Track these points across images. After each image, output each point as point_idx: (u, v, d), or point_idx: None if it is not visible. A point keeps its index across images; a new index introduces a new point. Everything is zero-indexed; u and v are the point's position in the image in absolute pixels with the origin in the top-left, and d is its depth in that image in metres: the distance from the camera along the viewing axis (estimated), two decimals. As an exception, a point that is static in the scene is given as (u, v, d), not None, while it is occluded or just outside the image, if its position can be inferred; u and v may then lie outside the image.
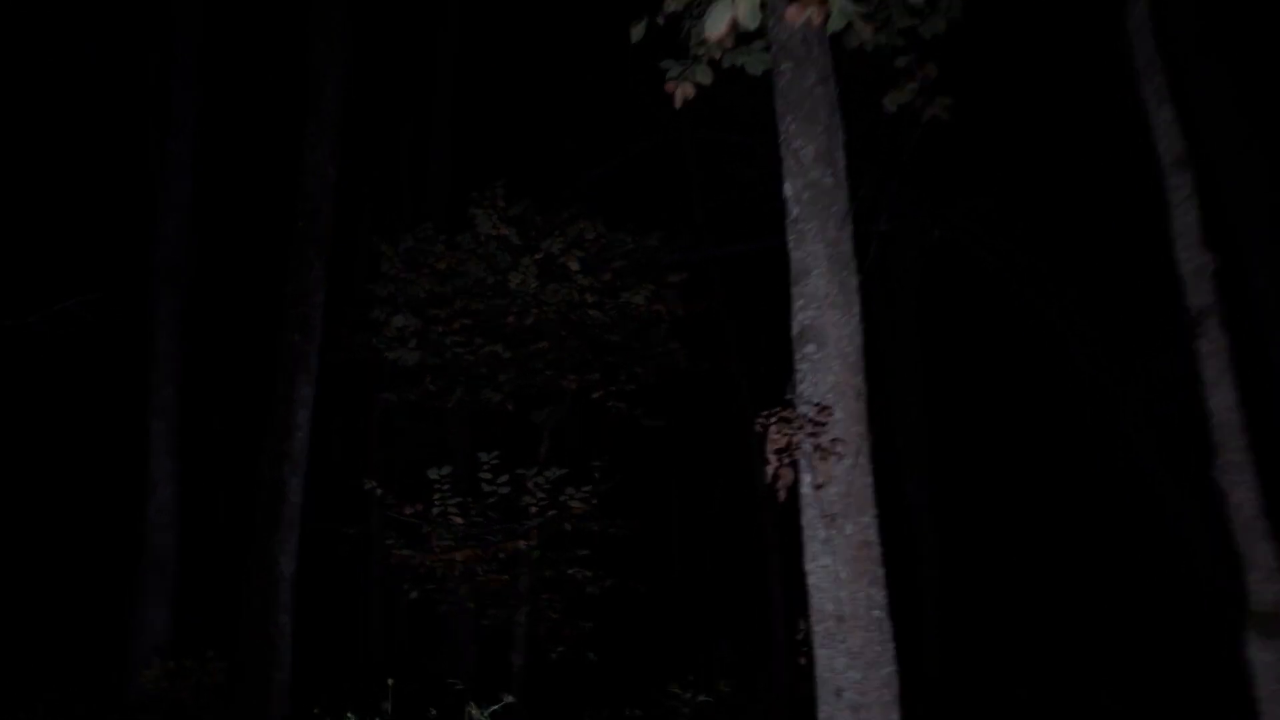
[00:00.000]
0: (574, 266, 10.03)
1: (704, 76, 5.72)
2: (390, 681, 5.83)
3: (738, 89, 6.74)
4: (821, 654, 4.30)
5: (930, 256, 12.14)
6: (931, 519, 14.21)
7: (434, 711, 6.91)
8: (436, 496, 8.80)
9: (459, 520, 8.86)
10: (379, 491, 8.94)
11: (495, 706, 6.10)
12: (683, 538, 12.09)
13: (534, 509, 9.13)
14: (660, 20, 5.53)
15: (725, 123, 12.45)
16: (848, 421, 4.46)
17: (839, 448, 4.29)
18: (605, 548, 9.84)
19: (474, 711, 5.84)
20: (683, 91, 5.94)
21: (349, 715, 6.27)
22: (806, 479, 4.39)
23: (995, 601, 13.81)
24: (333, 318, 11.56)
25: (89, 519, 13.22)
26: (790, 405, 4.42)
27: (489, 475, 8.82)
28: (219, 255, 13.87)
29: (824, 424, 4.24)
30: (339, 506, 10.46)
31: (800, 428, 4.21)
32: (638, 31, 5.54)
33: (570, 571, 9.29)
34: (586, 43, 13.15)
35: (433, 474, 8.62)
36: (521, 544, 8.74)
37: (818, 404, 4.32)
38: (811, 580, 4.42)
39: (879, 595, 4.40)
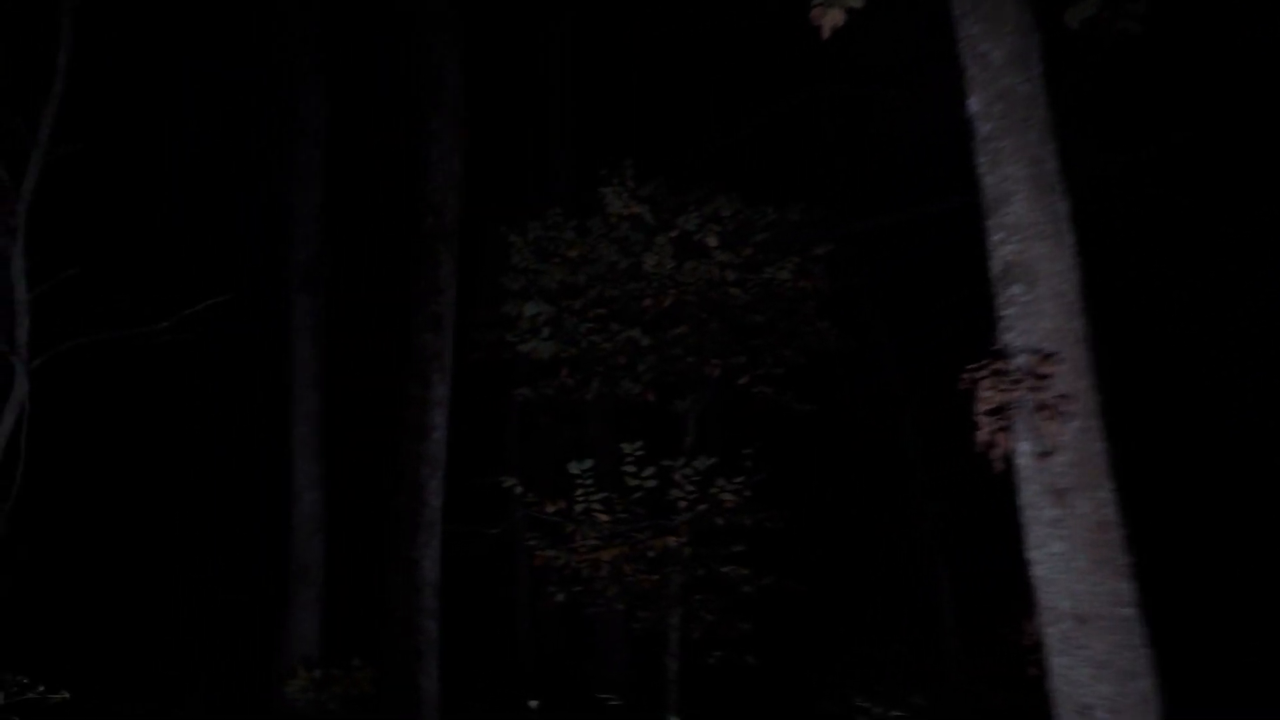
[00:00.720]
0: (712, 243, 9.35)
1: (856, -1, 4.98)
2: (533, 704, 5.25)
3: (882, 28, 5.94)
4: (1059, 662, 3.48)
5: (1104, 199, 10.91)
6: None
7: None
8: (579, 493, 8.25)
9: (604, 517, 8.29)
10: (519, 489, 8.46)
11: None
12: (837, 530, 11.24)
13: (683, 503, 8.48)
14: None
15: (867, 75, 11.55)
16: (1073, 374, 3.61)
17: (1067, 405, 3.46)
18: (759, 544, 9.10)
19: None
20: (831, 19, 5.20)
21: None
22: (1025, 446, 3.57)
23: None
24: (465, 315, 11.23)
25: (237, 526, 13.30)
26: (1000, 357, 3.61)
27: (633, 468, 8.21)
28: (351, 257, 13.79)
29: (1047, 376, 3.42)
30: (478, 507, 10.07)
31: (1017, 382, 3.39)
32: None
33: (724, 570, 8.59)
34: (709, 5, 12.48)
35: (574, 468, 8.07)
36: (672, 540, 8.10)
37: (1038, 351, 3.49)
38: (1038, 571, 3.59)
39: (1126, 589, 3.54)
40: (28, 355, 7.41)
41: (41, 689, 6.06)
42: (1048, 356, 3.47)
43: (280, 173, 13.20)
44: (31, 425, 7.40)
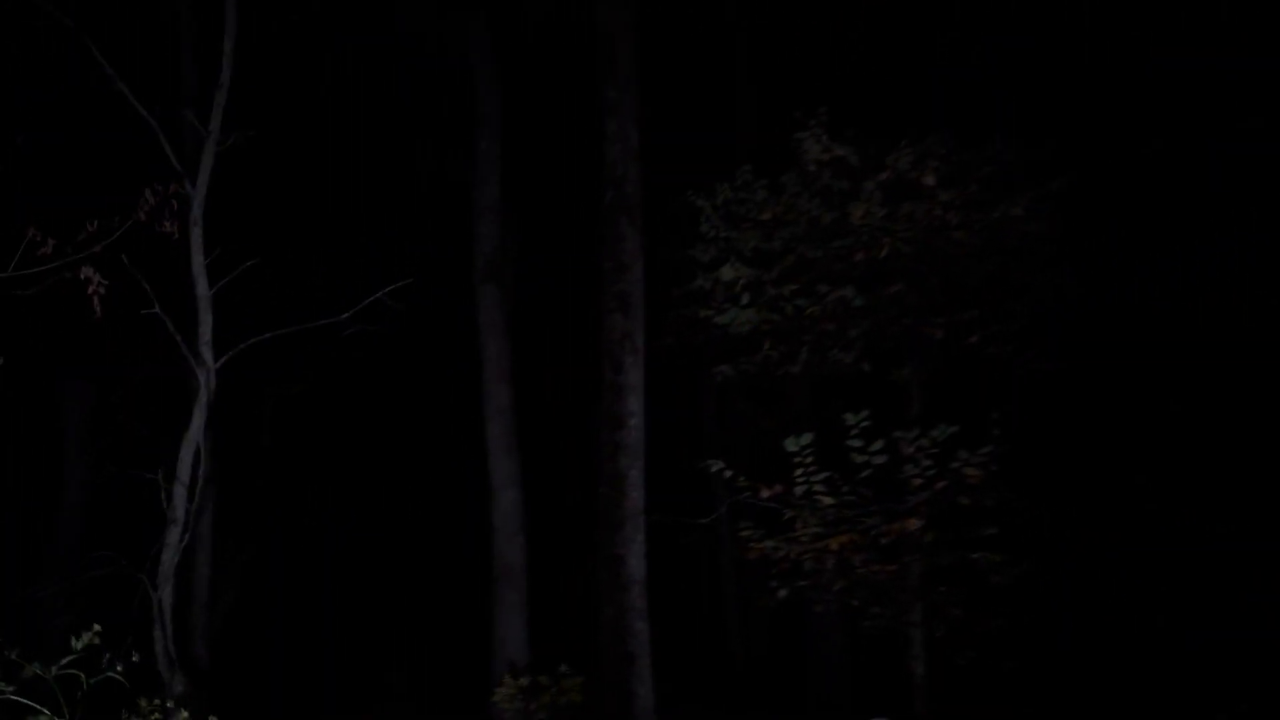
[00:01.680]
0: (930, 181, 8.15)
1: None
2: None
3: None
4: None
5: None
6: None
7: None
8: (798, 473, 7.25)
9: (828, 500, 7.26)
10: (728, 473, 7.54)
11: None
12: (1098, 507, 9.68)
13: (918, 480, 7.34)
14: None
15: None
16: None
17: None
18: (1007, 527, 7.83)
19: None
20: None
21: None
22: None
23: None
24: (655, 296, 10.48)
25: (436, 527, 13.04)
26: None
27: (859, 442, 7.13)
28: (535, 245, 13.30)
29: None
30: (680, 496, 9.26)
31: None
32: None
33: (974, 556, 7.38)
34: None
35: (791, 445, 7.08)
36: (912, 523, 6.97)
37: None
38: None
39: None
40: (212, 354, 7.13)
41: None
42: None
43: (458, 164, 12.87)
44: (220, 424, 7.10)
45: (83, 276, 5.04)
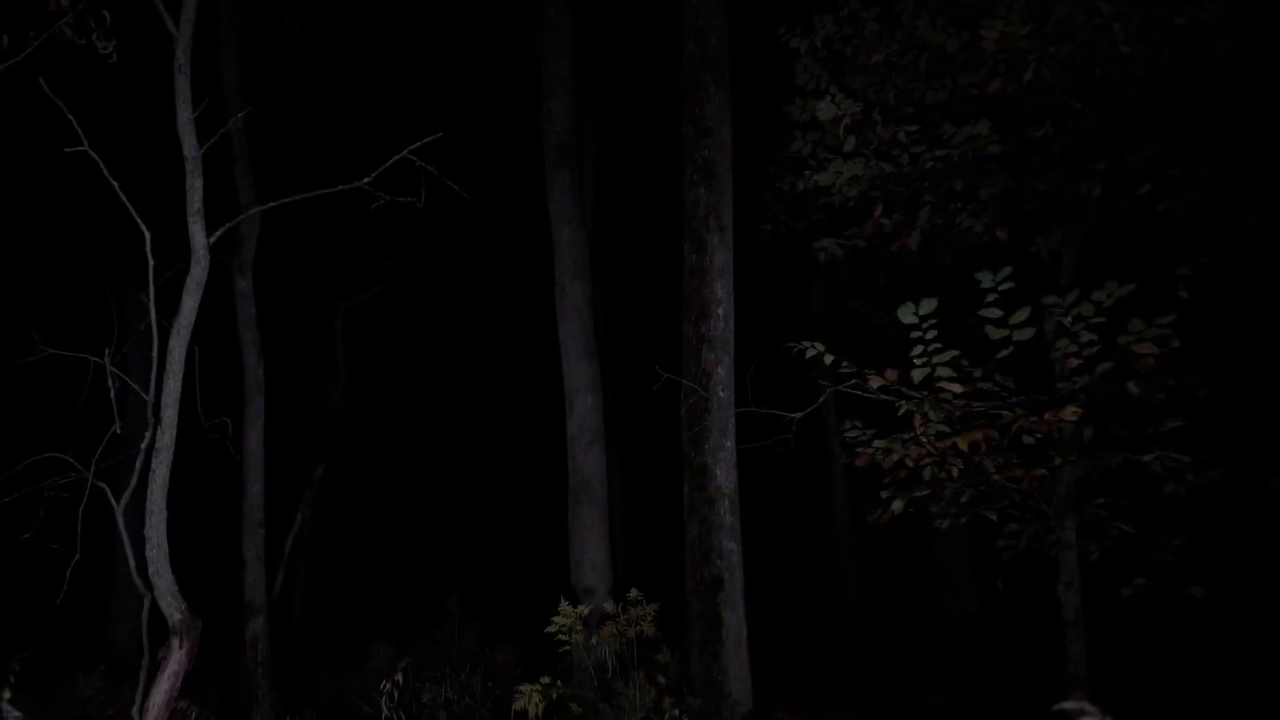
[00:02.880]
0: (1089, -21, 6.31)
1: None
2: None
3: None
4: None
5: None
6: None
7: None
8: (917, 352, 5.70)
9: (955, 388, 5.71)
10: (828, 358, 6.05)
11: None
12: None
13: (1074, 361, 5.70)
14: None
15: None
16: None
17: None
18: (1191, 420, 6.13)
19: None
20: None
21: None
22: None
23: None
24: (747, 173, 8.95)
25: (505, 440, 11.94)
26: None
27: (997, 313, 5.53)
28: (616, 121, 11.80)
29: None
30: (778, 399, 7.83)
31: None
32: None
33: (1146, 459, 5.74)
34: None
35: (907, 314, 5.51)
36: (1068, 413, 5.37)
37: None
38: None
39: None
40: (204, 228, 6.00)
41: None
42: None
43: (525, 34, 11.45)
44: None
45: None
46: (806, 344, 6.18)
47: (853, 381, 6.02)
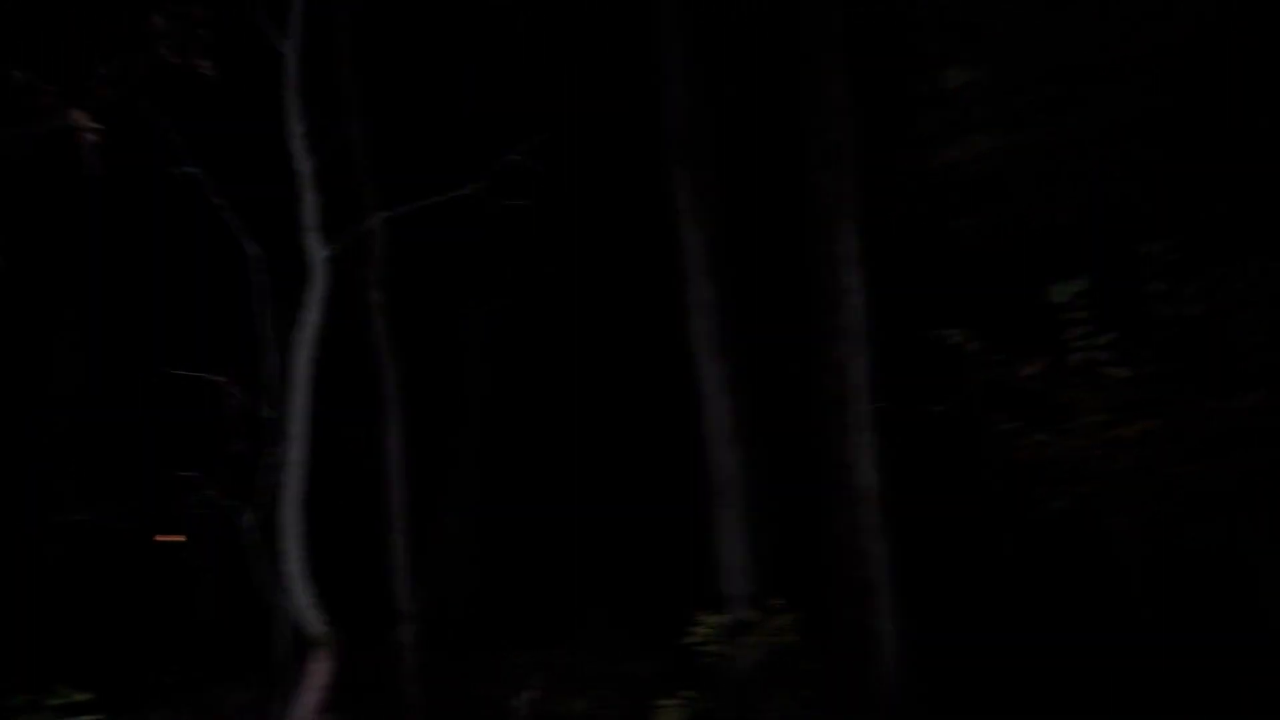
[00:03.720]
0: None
1: None
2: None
3: None
4: None
5: None
6: None
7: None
8: (1075, 333, 5.16)
9: (1119, 373, 5.14)
10: (973, 345, 5.56)
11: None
12: None
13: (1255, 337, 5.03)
14: None
15: None
16: None
17: None
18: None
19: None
20: None
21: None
22: None
23: None
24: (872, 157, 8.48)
25: (643, 442, 11.71)
26: None
27: (1162, 285, 4.93)
28: (730, 111, 11.41)
29: None
30: (911, 384, 7.32)
31: None
32: None
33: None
34: None
35: (1059, 294, 5.00)
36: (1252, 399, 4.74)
37: None
38: None
39: None
40: (321, 241, 6.03)
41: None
42: None
43: (641, 23, 11.18)
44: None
45: (72, 123, 3.97)
46: (948, 331, 5.71)
47: (1001, 370, 5.51)
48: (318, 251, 6.01)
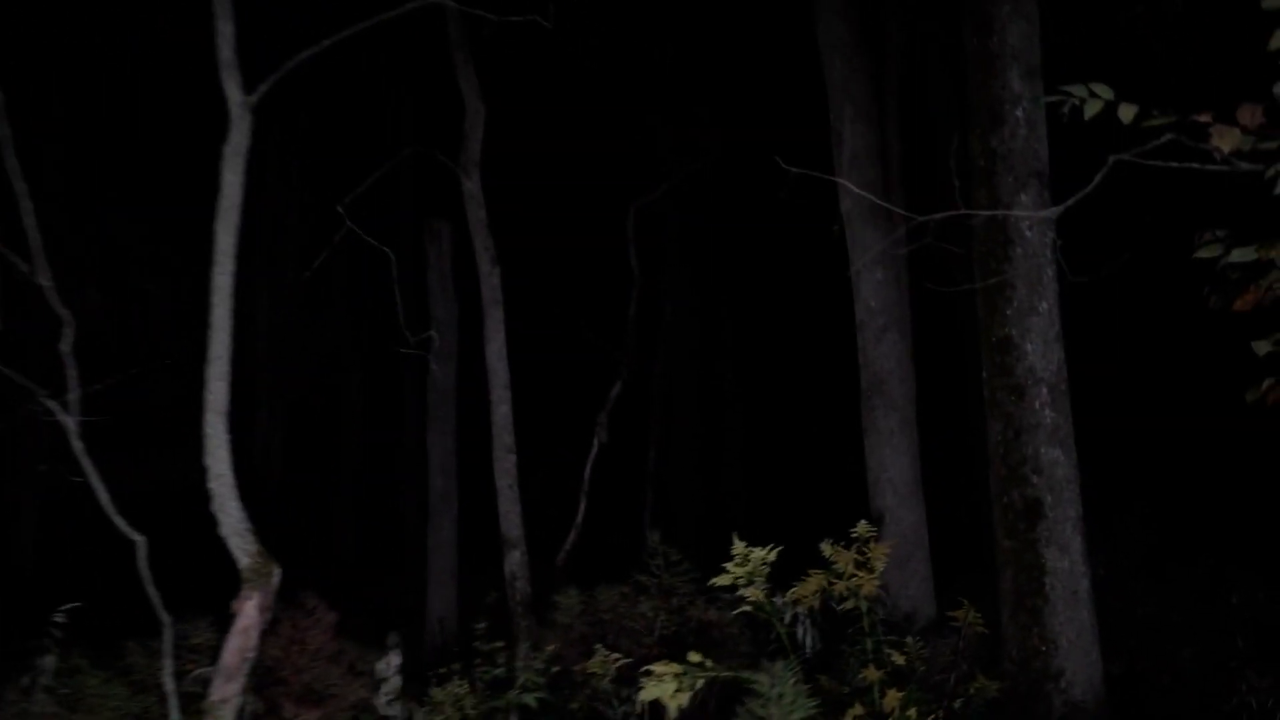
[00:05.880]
0: None
1: None
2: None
3: None
4: None
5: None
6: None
7: None
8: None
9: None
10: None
11: None
12: None
13: None
14: None
15: None
16: None
17: None
18: None
19: None
20: None
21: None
22: None
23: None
24: None
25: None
26: None
27: None
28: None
29: None
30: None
31: None
32: None
33: None
34: None
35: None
36: None
37: None
38: None
39: None
40: (239, 81, 4.79)
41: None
42: None
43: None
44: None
45: None
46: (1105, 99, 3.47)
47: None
48: (235, 95, 4.76)
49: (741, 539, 4.21)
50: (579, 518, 10.48)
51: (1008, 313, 5.64)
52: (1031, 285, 5.62)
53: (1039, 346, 5.55)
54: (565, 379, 14.50)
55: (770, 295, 15.23)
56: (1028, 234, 5.67)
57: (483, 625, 5.65)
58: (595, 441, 11.07)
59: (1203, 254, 3.78)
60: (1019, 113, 5.76)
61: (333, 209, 8.05)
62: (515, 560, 8.36)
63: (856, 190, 7.77)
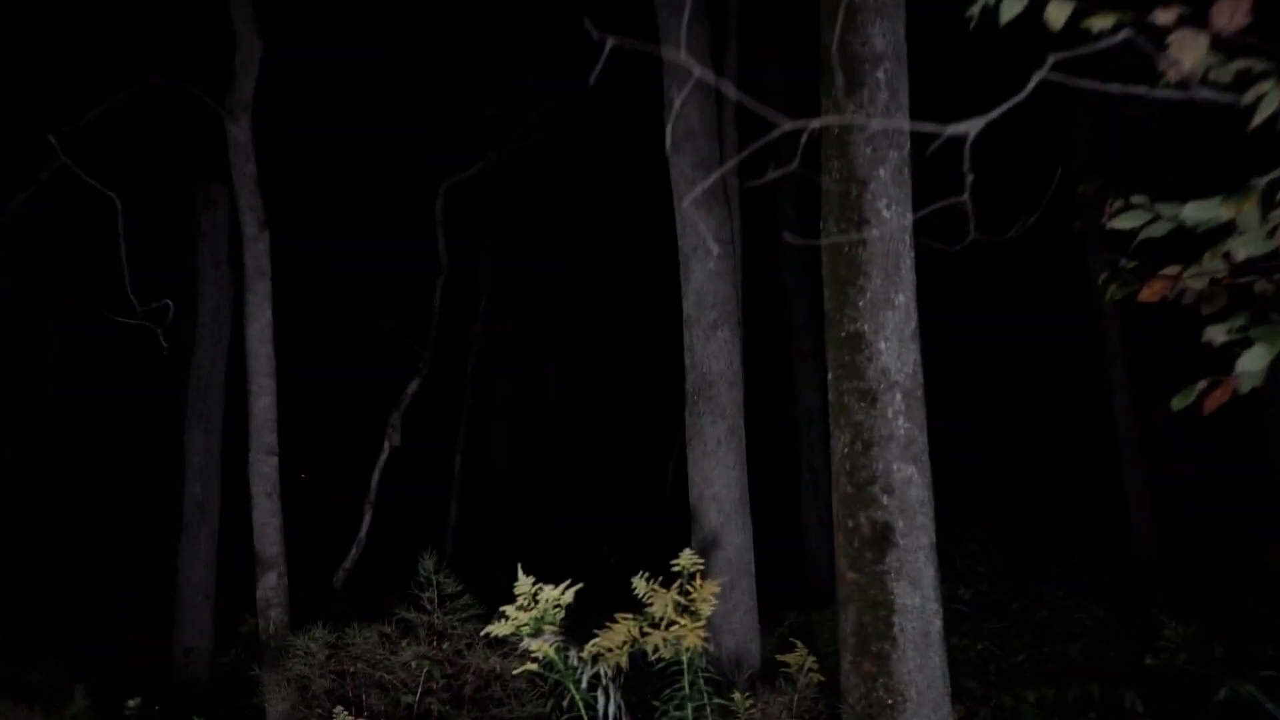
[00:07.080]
0: None
1: None
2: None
3: None
4: None
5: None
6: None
7: None
8: None
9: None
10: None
11: None
12: None
13: None
14: None
15: None
16: None
17: None
18: None
19: None
20: None
21: None
22: None
23: None
24: None
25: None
26: None
27: None
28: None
29: None
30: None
31: None
32: None
33: None
34: None
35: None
36: None
37: None
38: None
39: None
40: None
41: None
42: None
43: None
44: None
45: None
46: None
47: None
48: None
49: (548, 560, 3.21)
50: (362, 532, 9.17)
51: (860, 304, 4.81)
52: (888, 275, 4.81)
53: (894, 345, 4.74)
54: (375, 379, 13.02)
55: (599, 288, 14.24)
56: (885, 214, 4.86)
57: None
58: (386, 445, 9.76)
59: (1120, 224, 2.98)
60: (880, 74, 4.98)
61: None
62: (270, 584, 6.97)
63: (688, 165, 6.92)
